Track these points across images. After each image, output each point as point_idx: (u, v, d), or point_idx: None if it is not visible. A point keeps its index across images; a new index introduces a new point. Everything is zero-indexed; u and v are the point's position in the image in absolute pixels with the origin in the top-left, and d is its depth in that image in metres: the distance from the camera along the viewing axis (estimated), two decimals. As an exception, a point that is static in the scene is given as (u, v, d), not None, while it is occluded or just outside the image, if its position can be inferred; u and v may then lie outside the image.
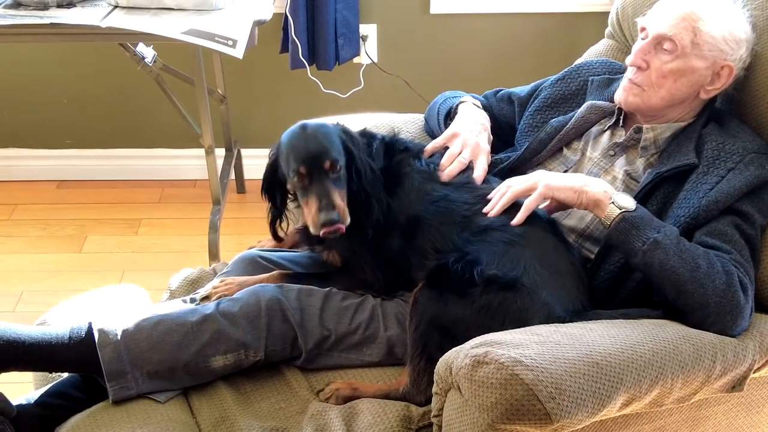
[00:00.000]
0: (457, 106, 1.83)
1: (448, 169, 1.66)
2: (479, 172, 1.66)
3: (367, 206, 1.59)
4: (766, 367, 1.45)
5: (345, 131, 1.63)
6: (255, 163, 3.03)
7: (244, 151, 3.03)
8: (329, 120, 1.69)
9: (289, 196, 1.67)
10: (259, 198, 2.92)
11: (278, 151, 1.62)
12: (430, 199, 1.63)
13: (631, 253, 1.45)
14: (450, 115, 1.84)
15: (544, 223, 1.58)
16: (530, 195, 1.53)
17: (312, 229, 1.55)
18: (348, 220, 1.55)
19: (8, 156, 3.04)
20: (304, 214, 1.57)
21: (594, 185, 1.50)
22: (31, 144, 3.04)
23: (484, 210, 1.56)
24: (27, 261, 2.66)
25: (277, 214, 1.68)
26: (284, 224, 1.72)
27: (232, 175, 2.97)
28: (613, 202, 1.47)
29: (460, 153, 1.68)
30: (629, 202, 1.47)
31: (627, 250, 1.46)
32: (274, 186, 1.66)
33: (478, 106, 1.83)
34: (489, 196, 1.59)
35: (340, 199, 1.54)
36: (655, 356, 1.34)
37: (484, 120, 1.79)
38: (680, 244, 1.43)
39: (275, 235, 1.71)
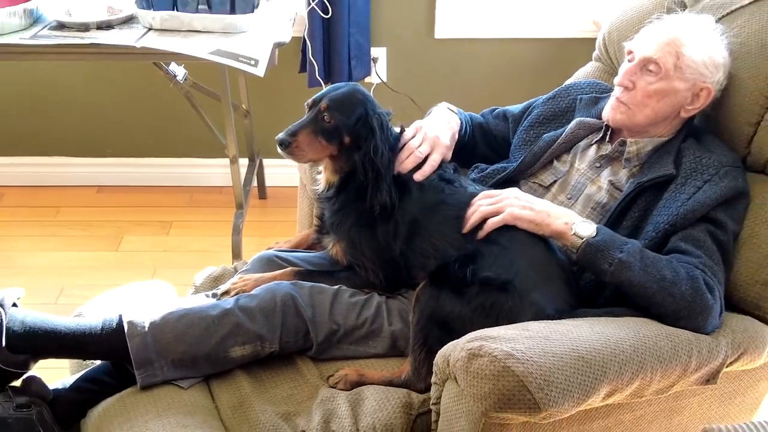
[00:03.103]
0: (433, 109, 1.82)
1: (405, 162, 1.63)
2: (426, 170, 1.63)
3: (376, 184, 1.57)
4: (738, 362, 1.45)
5: (378, 113, 1.60)
6: (275, 171, 3.06)
7: (265, 161, 3.06)
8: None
9: None
10: (278, 203, 2.96)
11: None
12: (432, 204, 1.62)
13: (600, 274, 1.47)
14: None
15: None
16: (496, 216, 1.53)
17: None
18: (304, 158, 1.59)
19: (54, 163, 3.07)
20: None
21: (556, 218, 1.51)
22: (75, 153, 3.07)
23: (464, 228, 1.56)
24: (68, 258, 2.68)
25: None
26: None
27: (255, 183, 2.99)
28: (575, 233, 1.47)
29: (419, 146, 1.65)
30: (590, 230, 1.47)
31: (596, 272, 1.48)
32: None
33: (453, 111, 1.81)
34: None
35: (306, 138, 1.56)
36: (636, 351, 1.34)
37: (450, 120, 1.77)
38: (644, 259, 1.44)
39: None
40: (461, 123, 1.79)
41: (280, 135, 1.55)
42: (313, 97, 1.59)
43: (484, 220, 1.54)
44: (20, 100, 2.97)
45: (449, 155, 1.71)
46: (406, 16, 2.85)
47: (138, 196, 3.03)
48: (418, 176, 1.62)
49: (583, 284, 1.57)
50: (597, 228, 1.48)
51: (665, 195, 1.54)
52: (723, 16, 1.69)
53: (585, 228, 1.48)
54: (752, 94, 1.59)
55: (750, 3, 1.68)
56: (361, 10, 2.71)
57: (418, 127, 1.69)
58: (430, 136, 1.67)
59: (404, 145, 1.65)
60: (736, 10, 1.69)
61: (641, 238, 1.52)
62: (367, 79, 2.89)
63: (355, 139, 1.57)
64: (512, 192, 1.58)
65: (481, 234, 1.54)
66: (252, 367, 1.54)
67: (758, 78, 1.59)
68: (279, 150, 1.57)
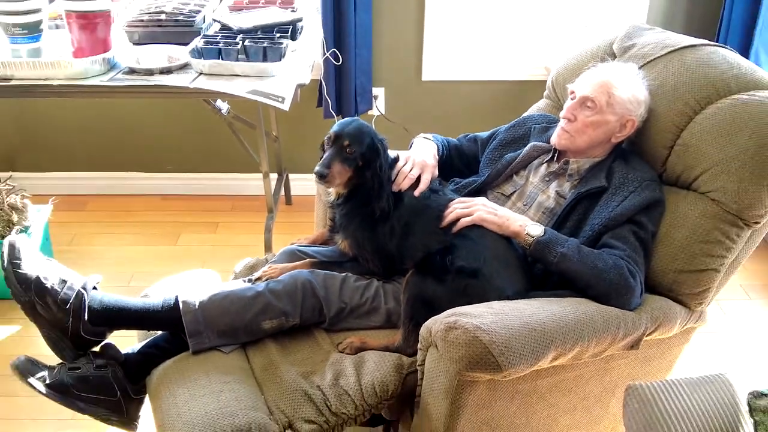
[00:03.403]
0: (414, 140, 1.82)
1: (401, 184, 1.63)
2: (422, 187, 1.63)
3: (379, 194, 1.58)
4: (656, 332, 1.46)
5: (380, 140, 1.61)
6: (298, 183, 3.06)
7: (291, 176, 3.05)
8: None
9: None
10: (300, 208, 2.97)
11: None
12: (420, 209, 1.62)
13: (547, 265, 1.48)
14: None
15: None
16: (468, 217, 1.54)
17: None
18: (336, 182, 1.57)
19: (126, 177, 3.08)
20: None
21: (514, 221, 1.52)
22: (143, 169, 3.07)
23: (443, 224, 1.56)
24: (137, 251, 2.69)
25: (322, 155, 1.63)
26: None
27: (282, 192, 2.99)
28: (527, 234, 1.49)
29: (410, 171, 1.64)
30: (539, 231, 1.49)
31: (544, 263, 1.49)
32: (323, 146, 1.63)
33: (429, 139, 1.80)
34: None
35: (337, 168, 1.54)
36: (576, 324, 1.36)
37: (430, 146, 1.76)
38: (581, 253, 1.45)
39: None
40: (438, 147, 1.79)
41: (318, 169, 1.53)
42: (332, 133, 1.58)
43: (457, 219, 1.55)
44: (100, 128, 2.97)
45: (436, 172, 1.71)
46: (399, 63, 2.85)
47: (192, 202, 3.04)
48: (416, 192, 1.62)
49: (535, 272, 1.57)
50: (545, 229, 1.49)
51: (599, 203, 1.54)
52: (644, 64, 1.70)
53: (535, 229, 1.49)
54: (666, 125, 1.60)
55: (664, 54, 1.69)
56: (365, 59, 2.71)
57: (407, 157, 1.69)
58: (418, 161, 1.67)
59: (398, 171, 1.64)
60: (654, 59, 1.70)
61: (580, 236, 1.52)
62: (369, 113, 2.89)
63: (365, 162, 1.57)
64: (481, 200, 1.59)
65: (455, 229, 1.54)
66: (278, 337, 1.55)
67: (671, 112, 1.60)
68: (316, 180, 1.56)
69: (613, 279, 1.41)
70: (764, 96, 1.50)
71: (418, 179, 1.64)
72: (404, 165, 1.66)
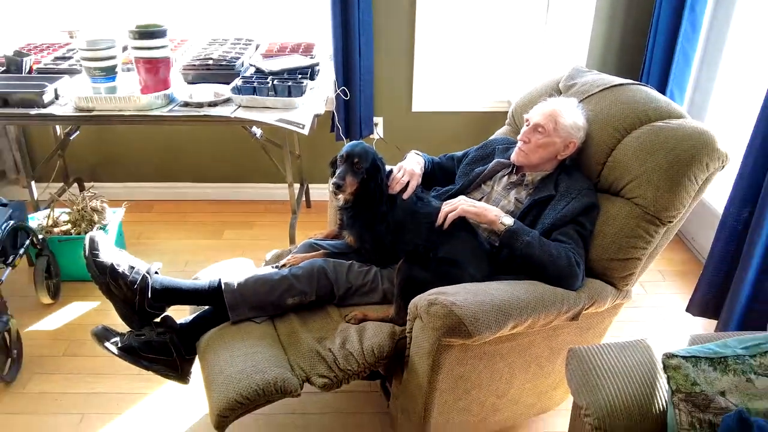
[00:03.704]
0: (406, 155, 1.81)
1: (394, 187, 1.61)
2: (409, 191, 1.62)
3: (379, 200, 1.57)
4: (592, 307, 1.45)
5: (380, 158, 1.60)
6: (316, 191, 3.05)
7: (310, 185, 3.03)
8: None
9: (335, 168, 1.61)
10: (317, 211, 2.97)
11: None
12: (409, 212, 1.61)
13: (513, 250, 1.46)
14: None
15: (471, 228, 1.57)
16: (453, 212, 1.53)
17: (331, 186, 1.55)
18: (348, 191, 1.55)
19: (183, 186, 3.07)
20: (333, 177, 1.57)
21: (490, 212, 1.50)
22: (195, 179, 3.06)
23: (437, 224, 1.55)
24: (190, 244, 2.68)
25: (332, 173, 1.62)
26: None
27: (303, 198, 2.97)
28: (501, 222, 1.47)
29: (402, 177, 1.63)
30: (510, 221, 1.48)
31: (512, 248, 1.47)
32: (333, 162, 1.63)
33: (420, 154, 1.79)
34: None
35: (349, 180, 1.54)
36: (530, 301, 1.36)
37: (419, 160, 1.75)
38: (541, 241, 1.44)
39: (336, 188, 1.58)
40: (425, 161, 1.79)
41: (335, 181, 1.53)
42: (344, 153, 1.56)
43: (442, 222, 1.54)
44: (162, 148, 2.96)
45: (420, 181, 1.70)
46: (394, 99, 2.83)
47: (233, 206, 3.02)
48: (405, 195, 1.62)
49: (500, 259, 1.56)
50: (514, 221, 1.48)
51: (549, 206, 1.54)
52: (583, 99, 1.69)
53: (507, 219, 1.48)
54: (600, 146, 1.60)
55: (599, 91, 1.68)
56: (367, 95, 2.70)
57: (400, 166, 1.68)
58: (407, 170, 1.66)
59: (392, 177, 1.64)
60: (591, 95, 1.69)
61: None
62: (371, 136, 2.87)
63: (369, 175, 1.57)
64: (462, 197, 1.57)
65: (446, 226, 1.53)
66: (299, 310, 1.55)
67: (604, 136, 1.59)
68: (333, 190, 1.55)
69: (564, 265, 1.41)
70: (676, 123, 1.50)
71: (407, 184, 1.63)
72: (397, 173, 1.65)
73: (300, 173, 2.94)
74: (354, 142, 1.62)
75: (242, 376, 1.32)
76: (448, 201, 1.60)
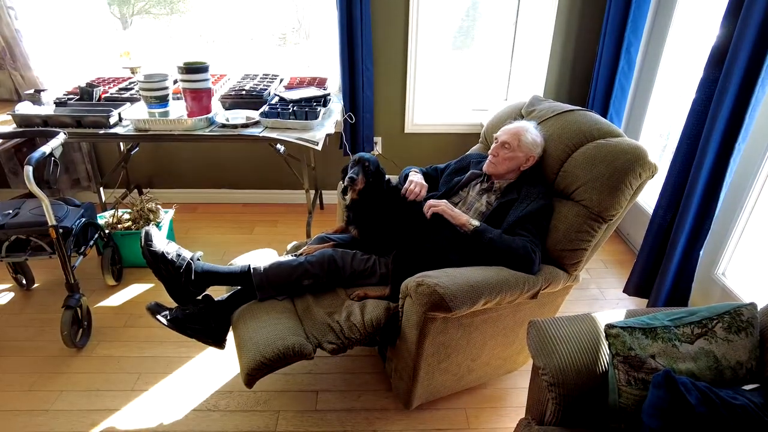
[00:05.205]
0: (409, 173, 1.81)
1: (411, 196, 1.63)
2: (420, 198, 1.64)
3: (381, 199, 1.58)
4: (548, 288, 1.44)
5: (382, 168, 1.62)
6: (327, 196, 3.03)
7: (323, 191, 3.01)
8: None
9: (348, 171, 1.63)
10: (329, 212, 2.95)
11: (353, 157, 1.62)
12: (403, 209, 1.60)
13: (480, 245, 1.46)
14: (406, 177, 1.80)
15: (451, 226, 1.55)
16: (435, 208, 1.53)
17: (345, 181, 1.56)
18: (359, 186, 1.55)
19: (221, 192, 3.04)
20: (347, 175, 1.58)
21: (461, 216, 1.51)
22: (232, 186, 3.03)
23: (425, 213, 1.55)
24: (227, 238, 2.65)
25: (342, 178, 1.64)
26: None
27: (318, 201, 2.95)
28: (470, 224, 1.47)
29: (416, 188, 1.65)
30: (477, 223, 1.47)
31: (478, 244, 1.46)
32: (344, 169, 1.64)
33: (418, 172, 1.79)
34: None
35: (360, 177, 1.56)
36: (498, 283, 1.34)
37: (421, 177, 1.76)
38: (501, 237, 1.43)
39: (344, 190, 1.63)
40: (421, 174, 1.78)
41: (350, 176, 1.55)
42: (356, 157, 1.58)
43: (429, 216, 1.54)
44: (204, 161, 2.94)
45: (426, 192, 1.71)
46: (390, 122, 2.81)
47: (261, 208, 3.00)
48: (417, 200, 1.63)
49: (472, 250, 1.55)
50: (480, 223, 1.47)
51: (512, 208, 1.52)
52: (541, 121, 1.68)
53: (475, 222, 1.47)
54: (554, 159, 1.58)
55: (554, 115, 1.67)
56: (368, 119, 2.68)
57: (412, 181, 1.69)
58: (418, 182, 1.68)
59: (407, 189, 1.65)
60: (547, 118, 1.68)
61: (501, 228, 1.50)
62: (372, 152, 2.86)
63: (374, 177, 1.57)
64: (444, 201, 1.57)
65: (428, 214, 1.53)
66: (313, 290, 1.54)
67: (557, 151, 1.58)
68: (347, 183, 1.55)
69: (522, 254, 1.40)
70: (615, 141, 1.49)
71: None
72: (411, 185, 1.66)
73: (315, 181, 2.92)
74: (362, 152, 1.62)
75: (267, 342, 1.31)
76: (432, 200, 1.59)
